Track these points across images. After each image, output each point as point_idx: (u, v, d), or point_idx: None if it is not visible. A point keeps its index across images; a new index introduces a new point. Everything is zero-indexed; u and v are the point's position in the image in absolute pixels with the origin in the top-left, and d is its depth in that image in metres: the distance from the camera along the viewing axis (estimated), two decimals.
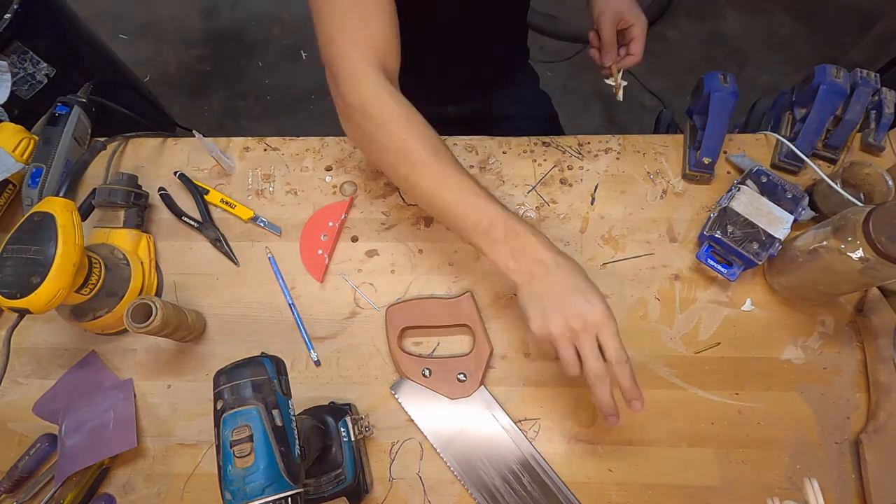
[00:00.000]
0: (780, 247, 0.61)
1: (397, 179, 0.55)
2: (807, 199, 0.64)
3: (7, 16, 0.94)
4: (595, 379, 0.48)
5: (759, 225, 0.61)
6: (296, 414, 0.45)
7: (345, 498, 0.55)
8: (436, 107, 0.95)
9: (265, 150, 0.75)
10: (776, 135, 0.71)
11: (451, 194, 0.51)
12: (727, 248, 0.61)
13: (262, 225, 0.70)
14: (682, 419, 0.60)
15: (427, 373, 0.61)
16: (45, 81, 1.04)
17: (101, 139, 0.73)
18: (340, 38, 0.53)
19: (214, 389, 0.43)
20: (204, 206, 0.71)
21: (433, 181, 0.51)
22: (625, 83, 0.71)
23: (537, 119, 0.98)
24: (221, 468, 0.40)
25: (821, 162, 0.71)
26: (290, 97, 1.81)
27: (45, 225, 0.53)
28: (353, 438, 0.56)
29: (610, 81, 0.71)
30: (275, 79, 1.85)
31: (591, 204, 0.71)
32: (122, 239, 0.66)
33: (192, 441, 0.61)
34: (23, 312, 0.52)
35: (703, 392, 0.61)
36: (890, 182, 0.62)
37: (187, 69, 1.87)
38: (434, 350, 0.64)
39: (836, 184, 0.62)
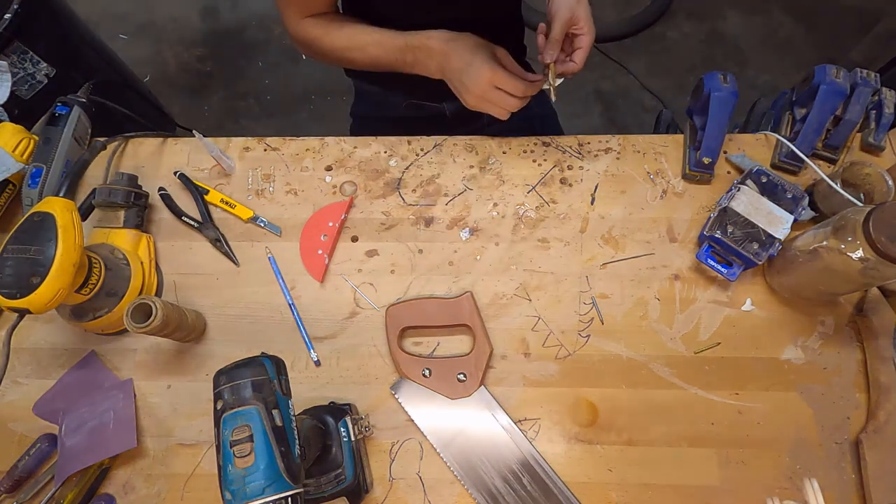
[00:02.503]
0: (780, 247, 0.61)
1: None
2: (807, 199, 0.64)
3: (7, 16, 0.94)
4: (520, 104, 0.64)
5: (759, 225, 0.61)
6: (296, 414, 0.45)
7: (345, 498, 0.55)
8: (431, 103, 0.95)
9: (265, 150, 0.75)
10: (776, 135, 0.71)
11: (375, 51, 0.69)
12: (727, 248, 0.61)
13: (262, 225, 0.70)
14: (682, 419, 0.60)
15: (427, 373, 0.61)
16: (45, 81, 1.04)
17: (101, 139, 0.73)
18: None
19: (214, 389, 0.43)
20: (204, 206, 0.71)
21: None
22: (560, 81, 0.65)
23: (534, 116, 0.98)
24: (221, 468, 0.40)
25: (821, 162, 0.71)
26: (290, 97, 1.81)
27: (45, 225, 0.53)
28: (353, 438, 0.56)
29: (544, 85, 0.65)
30: (275, 79, 1.85)
31: (591, 204, 0.71)
32: (122, 239, 0.66)
33: (192, 441, 0.61)
34: (23, 312, 0.52)
35: (703, 392, 0.61)
36: (890, 182, 0.62)
37: (187, 69, 1.87)
38: (434, 350, 0.64)
39: (836, 184, 0.62)
